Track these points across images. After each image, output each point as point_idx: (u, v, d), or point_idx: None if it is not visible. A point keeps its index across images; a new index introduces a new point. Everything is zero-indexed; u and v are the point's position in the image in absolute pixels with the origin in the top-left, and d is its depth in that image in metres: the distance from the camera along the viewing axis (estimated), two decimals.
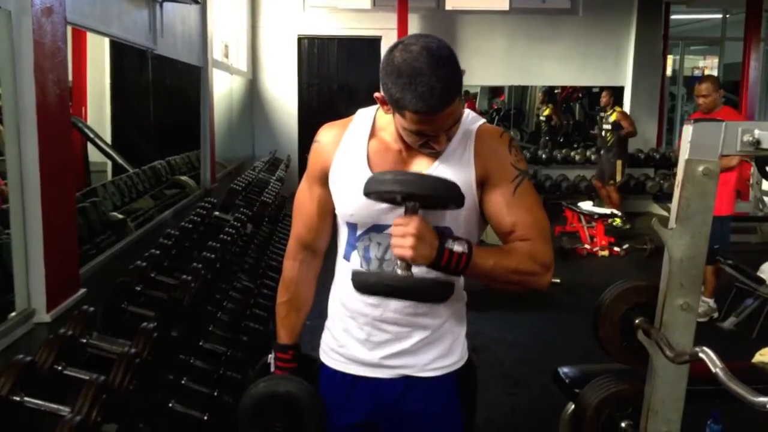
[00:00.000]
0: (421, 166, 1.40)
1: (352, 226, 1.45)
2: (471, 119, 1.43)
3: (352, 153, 1.43)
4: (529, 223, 1.38)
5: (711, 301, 4.78)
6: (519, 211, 1.38)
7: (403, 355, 1.46)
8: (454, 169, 1.38)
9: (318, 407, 1.48)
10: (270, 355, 1.60)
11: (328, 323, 1.59)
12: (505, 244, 1.41)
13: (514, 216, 1.38)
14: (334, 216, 1.51)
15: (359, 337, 1.48)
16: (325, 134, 1.49)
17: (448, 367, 1.49)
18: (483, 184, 1.39)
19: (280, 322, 1.60)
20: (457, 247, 1.25)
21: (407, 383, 1.48)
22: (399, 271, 1.23)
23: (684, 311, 1.52)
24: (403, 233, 1.21)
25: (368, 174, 1.37)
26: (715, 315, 4.73)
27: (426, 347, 1.46)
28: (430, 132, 1.30)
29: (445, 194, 1.26)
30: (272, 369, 1.58)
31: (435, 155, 1.39)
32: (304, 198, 1.55)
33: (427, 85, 1.21)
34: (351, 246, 1.46)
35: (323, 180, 1.48)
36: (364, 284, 1.27)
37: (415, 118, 1.26)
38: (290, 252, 1.60)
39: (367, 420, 1.51)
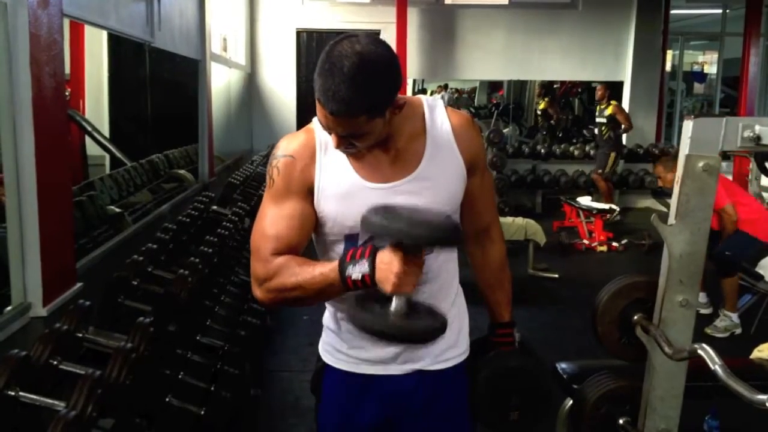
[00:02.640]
0: (411, 163, 1.37)
1: (350, 237, 1.39)
2: (432, 105, 1.42)
3: (334, 165, 1.36)
4: (490, 207, 1.55)
5: (734, 316, 4.28)
6: (484, 197, 1.51)
7: (414, 349, 1.44)
8: (445, 164, 1.39)
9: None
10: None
11: (329, 323, 1.52)
12: (468, 223, 1.51)
13: (482, 203, 1.51)
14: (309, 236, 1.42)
15: (368, 336, 1.42)
16: (294, 147, 1.37)
17: (458, 357, 1.50)
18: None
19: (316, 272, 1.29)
20: None
21: (419, 377, 1.46)
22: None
23: (683, 308, 1.52)
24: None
25: (360, 182, 1.35)
26: (738, 331, 4.25)
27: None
28: (331, 130, 1.27)
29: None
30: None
31: (421, 154, 1.37)
32: (276, 219, 1.36)
33: (337, 86, 1.18)
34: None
35: (306, 194, 1.36)
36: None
37: (318, 106, 1.24)
38: (262, 276, 1.34)
39: (381, 420, 1.49)
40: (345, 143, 1.29)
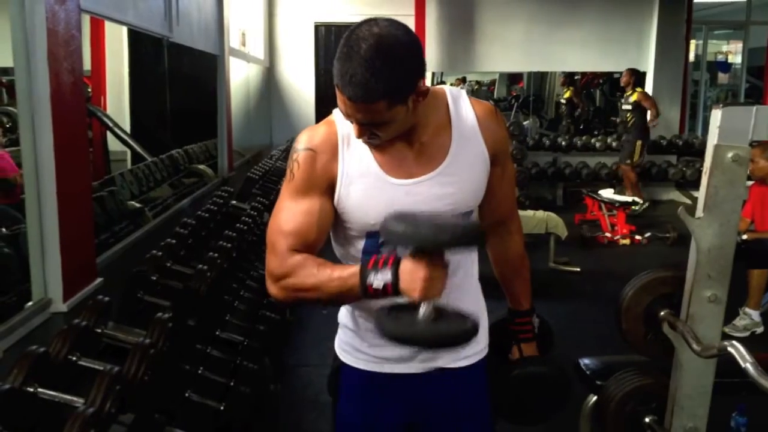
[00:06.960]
0: (436, 157, 1.33)
1: (371, 234, 1.35)
2: (455, 96, 1.38)
3: (356, 159, 1.32)
4: (509, 199, 1.52)
5: (755, 314, 4.07)
6: (504, 189, 1.47)
7: None
8: (471, 159, 1.35)
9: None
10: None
11: (346, 322, 1.49)
12: (487, 214, 1.47)
13: (502, 194, 1.47)
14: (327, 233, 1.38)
15: None
16: (316, 140, 1.33)
17: (478, 354, 1.47)
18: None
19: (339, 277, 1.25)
20: None
21: (441, 376, 1.44)
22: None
23: (712, 303, 1.47)
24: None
25: (383, 177, 1.31)
26: (759, 330, 4.05)
27: None
28: (351, 117, 1.24)
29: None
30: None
31: (446, 147, 1.33)
32: (294, 214, 1.32)
33: (354, 70, 1.15)
34: (370, 255, 1.33)
35: (326, 190, 1.32)
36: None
37: (338, 92, 1.20)
38: (278, 273, 1.31)
39: (404, 420, 1.47)
40: (366, 132, 1.25)
